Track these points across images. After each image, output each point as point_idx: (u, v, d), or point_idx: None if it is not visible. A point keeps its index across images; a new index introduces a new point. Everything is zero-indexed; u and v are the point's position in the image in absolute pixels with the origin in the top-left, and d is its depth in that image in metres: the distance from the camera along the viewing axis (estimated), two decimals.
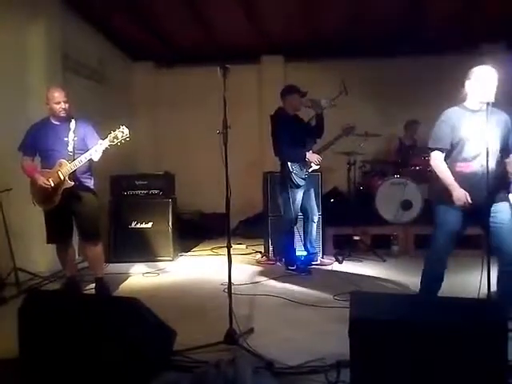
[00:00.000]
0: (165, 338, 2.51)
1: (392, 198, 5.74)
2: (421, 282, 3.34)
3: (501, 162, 3.16)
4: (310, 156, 4.83)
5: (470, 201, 3.01)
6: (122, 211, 5.45)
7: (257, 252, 5.76)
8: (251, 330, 3.07)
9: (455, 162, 3.15)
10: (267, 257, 5.42)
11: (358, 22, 6.24)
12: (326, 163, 5.43)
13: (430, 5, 5.75)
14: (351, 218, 5.61)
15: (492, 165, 2.99)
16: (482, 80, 3.07)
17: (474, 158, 3.10)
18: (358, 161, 6.17)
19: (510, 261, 3.06)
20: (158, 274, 4.87)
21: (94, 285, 4.07)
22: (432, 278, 3.29)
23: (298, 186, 4.77)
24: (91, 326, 2.36)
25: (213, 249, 5.97)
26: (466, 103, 3.20)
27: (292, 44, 7.14)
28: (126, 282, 4.60)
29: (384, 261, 5.24)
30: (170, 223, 5.41)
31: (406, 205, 5.71)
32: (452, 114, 3.19)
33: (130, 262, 5.24)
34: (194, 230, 6.90)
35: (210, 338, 2.82)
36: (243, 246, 6.12)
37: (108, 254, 5.14)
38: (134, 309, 2.42)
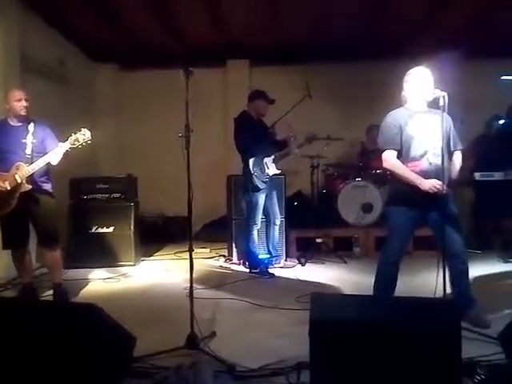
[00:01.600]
0: (124, 344, 2.47)
1: (354, 201, 5.85)
2: (374, 285, 3.38)
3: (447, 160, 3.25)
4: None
5: (440, 184, 3.06)
6: (82, 215, 5.33)
7: (220, 255, 5.75)
8: (213, 334, 3.06)
9: (405, 162, 3.22)
10: (231, 260, 5.42)
11: (321, 26, 6.33)
12: (290, 167, 5.51)
13: (391, 11, 5.92)
14: (314, 221, 5.68)
15: (439, 163, 3.08)
16: (419, 80, 3.19)
17: (422, 156, 3.18)
18: (322, 164, 6.26)
19: (458, 260, 3.17)
20: (119, 279, 4.78)
21: (52, 291, 3.96)
22: (386, 281, 3.33)
23: (259, 189, 4.80)
24: (47, 334, 2.30)
25: (176, 253, 5.91)
26: (407, 105, 3.30)
27: (257, 48, 7.18)
28: (85, 287, 4.49)
29: (345, 262, 5.33)
30: (132, 227, 5.33)
31: (367, 207, 5.84)
32: (397, 114, 3.28)
33: (90, 267, 5.11)
34: (157, 234, 6.82)
35: (171, 343, 2.79)
36: (207, 250, 6.09)
37: (67, 260, 5.01)
38: (92, 315, 2.37)
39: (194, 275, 4.44)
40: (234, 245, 5.42)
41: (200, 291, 4.07)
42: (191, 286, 2.93)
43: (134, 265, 5.31)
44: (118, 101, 7.76)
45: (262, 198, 4.86)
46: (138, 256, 5.44)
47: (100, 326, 2.34)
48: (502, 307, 3.34)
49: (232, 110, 7.30)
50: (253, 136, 4.82)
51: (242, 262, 5.27)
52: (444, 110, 3.01)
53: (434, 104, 3.19)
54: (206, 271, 5.05)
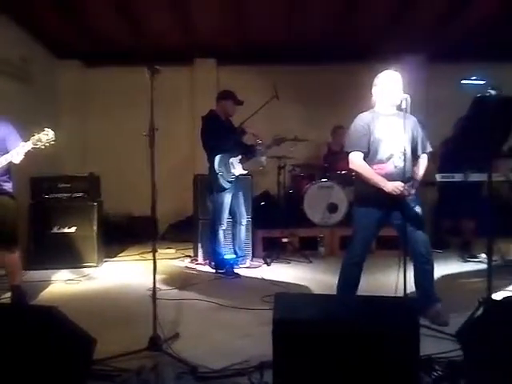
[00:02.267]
0: (83, 347, 2.41)
1: (319, 201, 5.92)
2: (338, 284, 3.43)
3: (411, 163, 3.32)
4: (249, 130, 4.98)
5: (404, 187, 3.12)
6: (44, 215, 5.18)
7: (186, 256, 5.70)
8: (176, 335, 3.03)
9: (371, 164, 3.28)
10: (196, 261, 5.39)
11: (288, 28, 6.38)
12: (257, 167, 5.48)
13: (357, 14, 6.01)
14: (280, 221, 5.71)
15: (405, 165, 3.16)
16: (387, 84, 3.25)
17: (388, 159, 3.25)
18: (288, 165, 6.30)
19: (422, 260, 3.26)
20: (81, 280, 4.67)
21: (10, 294, 3.83)
22: (349, 280, 3.39)
23: (225, 189, 4.78)
24: (3, 337, 2.23)
25: (141, 253, 5.83)
26: (376, 108, 3.36)
27: (225, 48, 7.16)
28: (46, 289, 4.37)
29: (311, 262, 5.38)
30: (95, 227, 5.21)
31: (333, 208, 5.91)
32: (365, 117, 3.33)
33: (51, 268, 4.98)
34: (122, 234, 6.70)
35: (133, 345, 2.75)
36: (173, 251, 6.04)
37: (28, 261, 4.87)
38: (50, 318, 2.30)
39: (158, 276, 4.39)
40: (199, 245, 5.39)
41: (164, 292, 4.04)
42: (154, 287, 2.89)
43: (97, 266, 5.20)
44: (82, 98, 7.59)
45: (227, 198, 4.84)
46: (101, 257, 5.33)
47: (58, 329, 2.27)
48: (461, 305, 3.41)
49: (199, 109, 7.24)
50: (219, 135, 4.80)
51: (207, 262, 5.25)
52: (406, 113, 3.07)
53: (400, 107, 3.25)
54: (171, 272, 5.00)
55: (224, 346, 2.92)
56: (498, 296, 3.37)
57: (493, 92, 2.65)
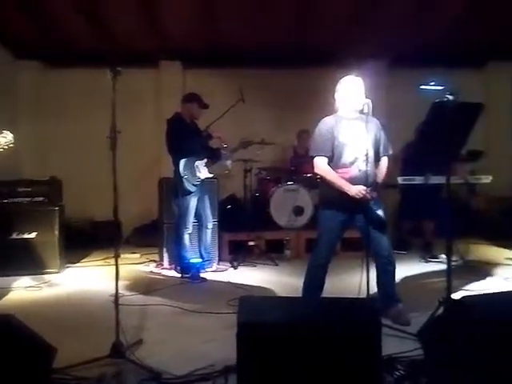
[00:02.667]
0: (43, 355, 2.34)
1: (285, 204, 5.95)
2: (303, 286, 3.46)
3: (374, 166, 3.39)
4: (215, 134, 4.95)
5: (367, 190, 3.18)
6: (2, 220, 4.98)
7: (151, 261, 5.62)
8: (140, 342, 2.98)
9: (335, 168, 3.33)
10: (162, 265, 5.32)
11: (254, 31, 6.40)
12: (223, 170, 5.47)
13: (319, 19, 6.10)
14: (247, 224, 5.71)
15: (369, 169, 3.22)
16: (349, 89, 3.31)
17: (352, 163, 3.31)
18: (255, 168, 6.31)
19: (384, 261, 3.32)
20: (42, 287, 4.53)
21: None
22: (314, 282, 3.42)
23: (190, 192, 4.75)
24: None
25: (105, 259, 5.70)
26: (339, 113, 3.41)
27: (191, 51, 7.12)
28: (6, 297, 4.22)
29: (277, 265, 5.40)
30: (57, 233, 5.06)
31: (299, 211, 5.95)
32: (329, 121, 3.37)
33: (11, 275, 4.79)
34: (86, 240, 6.55)
35: (95, 352, 2.68)
36: (137, 255, 5.94)
37: None
38: (8, 326, 2.23)
39: (122, 282, 4.32)
40: (165, 249, 5.32)
41: (128, 298, 3.97)
42: (116, 293, 2.83)
43: (59, 272, 5.05)
44: (43, 100, 7.39)
45: (193, 202, 4.81)
46: (63, 263, 5.18)
47: (15, 337, 2.20)
48: (423, 305, 3.49)
49: (165, 112, 7.16)
50: (184, 138, 4.76)
51: (173, 266, 5.18)
52: (368, 119, 3.13)
53: (362, 111, 3.31)
54: (135, 277, 4.91)
55: (188, 351, 2.89)
56: (457, 295, 3.47)
57: (451, 97, 2.73)
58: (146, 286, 4.53)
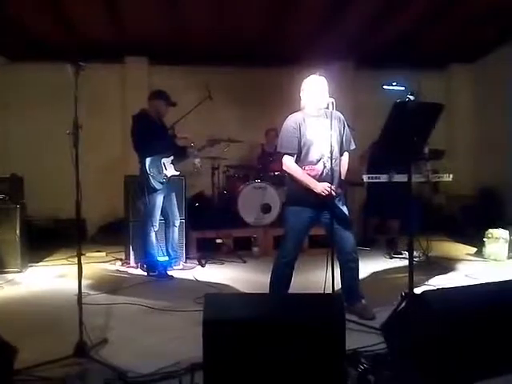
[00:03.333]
0: (3, 356, 2.28)
1: (253, 202, 5.97)
2: (270, 283, 3.49)
3: (339, 163, 3.45)
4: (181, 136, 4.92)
5: (332, 187, 3.23)
6: None
7: (117, 259, 5.53)
8: (105, 341, 2.94)
9: (302, 165, 3.37)
10: (128, 264, 5.25)
11: (221, 29, 6.38)
12: (191, 168, 5.44)
13: (288, 22, 6.14)
14: (215, 222, 5.70)
15: (334, 166, 3.28)
16: (314, 88, 3.35)
17: (318, 160, 3.36)
18: (222, 165, 6.31)
19: (348, 257, 3.38)
20: (3, 286, 4.40)
21: None
22: (281, 279, 3.46)
23: (156, 190, 4.70)
24: None
25: (69, 257, 5.58)
26: (306, 110, 3.45)
27: (157, 46, 7.03)
28: None
29: (245, 262, 5.42)
30: (18, 231, 4.91)
31: (266, 208, 5.99)
32: (296, 118, 3.40)
33: None
34: (49, 238, 6.39)
35: (59, 352, 2.63)
36: (103, 254, 5.84)
37: None
38: None
39: (87, 281, 4.26)
40: (131, 248, 5.25)
41: (93, 297, 3.92)
42: (80, 291, 2.79)
43: (21, 271, 4.91)
44: (3, 95, 7.15)
45: (159, 199, 4.76)
46: (25, 262, 5.04)
47: None
48: (387, 300, 3.55)
49: (130, 108, 7.04)
50: (150, 135, 4.70)
51: (139, 265, 5.12)
52: (332, 116, 3.18)
53: (327, 110, 3.35)
54: (100, 276, 4.84)
55: (154, 350, 2.87)
56: (419, 290, 3.57)
57: (412, 97, 2.80)
58: (111, 284, 4.46)
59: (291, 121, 3.41)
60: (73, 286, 4.09)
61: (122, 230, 5.55)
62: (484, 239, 5.54)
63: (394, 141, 2.91)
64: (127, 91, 7.33)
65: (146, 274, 4.84)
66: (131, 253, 5.24)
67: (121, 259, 5.46)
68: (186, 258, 5.38)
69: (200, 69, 7.23)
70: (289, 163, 3.38)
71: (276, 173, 6.14)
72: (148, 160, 4.69)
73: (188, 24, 6.27)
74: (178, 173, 4.92)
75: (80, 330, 2.68)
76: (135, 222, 5.18)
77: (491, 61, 7.57)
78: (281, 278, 3.46)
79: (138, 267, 5.13)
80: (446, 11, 5.95)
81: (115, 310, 3.66)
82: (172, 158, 4.88)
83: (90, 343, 2.71)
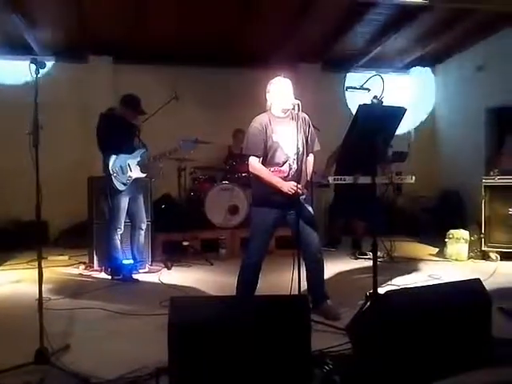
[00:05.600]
0: None
1: (220, 204, 5.96)
2: (237, 285, 3.49)
3: (305, 164, 3.48)
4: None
5: (298, 186, 3.24)
6: None
7: (80, 263, 5.40)
8: (67, 347, 2.86)
9: (268, 166, 3.38)
10: (91, 267, 5.13)
11: (186, 30, 6.34)
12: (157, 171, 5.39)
13: (253, 23, 6.16)
14: (181, 224, 5.65)
15: (300, 167, 3.30)
16: (279, 90, 3.37)
17: (284, 162, 3.38)
18: (189, 167, 6.26)
19: (313, 258, 3.41)
20: None
21: None
22: (247, 280, 3.46)
23: (119, 191, 4.61)
24: None
25: (30, 261, 5.40)
26: (271, 111, 3.46)
27: (122, 46, 6.92)
28: None
29: (212, 264, 5.39)
30: None
31: (234, 209, 5.98)
32: (263, 119, 3.41)
33: None
34: (9, 241, 6.19)
35: (19, 359, 2.54)
36: (66, 257, 5.70)
37: None
38: None
39: (49, 285, 4.14)
40: (95, 251, 5.13)
41: (55, 302, 3.81)
42: (40, 296, 2.70)
43: None
44: None
45: (124, 201, 4.67)
46: None
47: None
48: (352, 300, 3.61)
49: (94, 108, 6.90)
50: (116, 135, 4.61)
51: (103, 268, 5.02)
52: (298, 117, 3.20)
53: (292, 111, 3.37)
54: (63, 280, 4.71)
55: (119, 355, 2.81)
56: (383, 290, 3.63)
57: (375, 101, 2.85)
58: (73, 289, 4.36)
59: (257, 123, 3.41)
60: (33, 290, 3.94)
61: (85, 233, 5.42)
62: (445, 240, 5.70)
63: (359, 143, 2.95)
64: (91, 91, 7.16)
65: (110, 277, 4.74)
66: (95, 256, 5.13)
67: (84, 263, 5.33)
68: (152, 260, 5.31)
69: (167, 69, 7.18)
70: (255, 164, 3.38)
71: (243, 174, 6.14)
72: (112, 159, 4.60)
73: (153, 24, 6.21)
74: (143, 175, 4.84)
75: (41, 335, 2.59)
76: (99, 225, 5.08)
77: (452, 65, 7.82)
78: (247, 279, 3.46)
79: (102, 271, 5.02)
80: (408, 18, 6.12)
81: (78, 315, 3.57)
82: (138, 158, 4.78)
83: (51, 349, 2.63)
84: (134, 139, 4.85)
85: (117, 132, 4.63)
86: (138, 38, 6.60)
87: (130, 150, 4.74)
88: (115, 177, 4.57)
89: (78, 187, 5.74)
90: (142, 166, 4.79)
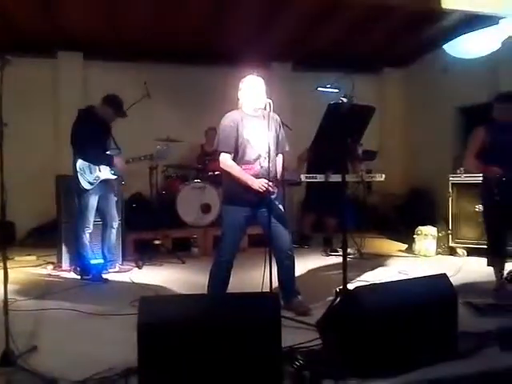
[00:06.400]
0: None
1: (192, 202, 5.93)
2: (208, 283, 3.49)
3: (275, 163, 3.49)
4: (118, 162, 4.67)
5: (269, 184, 3.26)
6: None
7: (49, 263, 5.29)
8: (34, 348, 2.80)
9: (239, 164, 3.38)
10: (60, 267, 5.03)
11: (160, 27, 6.28)
12: (128, 168, 5.33)
13: (225, 21, 6.15)
14: (153, 223, 5.59)
15: (270, 166, 3.32)
16: (251, 88, 3.39)
17: (255, 160, 3.39)
18: (161, 165, 6.20)
19: (285, 255, 3.44)
20: None
21: None
22: (219, 278, 3.46)
23: (86, 190, 4.52)
24: None
25: None
26: (243, 109, 3.47)
27: (93, 41, 6.78)
28: None
29: (184, 263, 5.36)
30: None
31: (206, 208, 5.96)
32: (234, 116, 3.41)
33: None
34: None
35: None
36: (34, 257, 5.56)
37: None
38: None
39: (16, 286, 4.05)
40: (63, 250, 5.03)
41: (21, 303, 3.71)
42: (6, 296, 2.63)
43: None
44: None
45: (93, 200, 4.58)
46: None
47: None
48: (323, 296, 3.67)
49: (64, 105, 6.83)
50: (92, 133, 4.50)
51: (72, 268, 4.92)
52: (269, 117, 3.22)
53: (264, 110, 3.39)
54: (30, 280, 4.60)
55: (87, 356, 2.76)
56: (353, 286, 3.68)
57: (345, 100, 2.89)
58: (41, 289, 4.26)
59: (229, 119, 3.41)
60: None
61: (54, 233, 5.31)
62: (414, 236, 5.82)
63: (329, 141, 2.99)
64: (60, 88, 7.03)
65: (79, 277, 4.66)
66: (64, 256, 5.03)
67: (53, 263, 5.22)
68: (123, 260, 5.23)
69: (138, 66, 7.08)
70: (226, 161, 3.38)
71: (216, 172, 6.11)
72: (81, 158, 4.51)
73: (124, 20, 6.12)
74: (114, 176, 4.75)
75: (6, 337, 2.53)
76: (68, 224, 4.98)
77: (421, 66, 7.98)
78: (219, 277, 3.46)
79: (71, 271, 4.93)
80: (379, 18, 6.22)
81: (45, 316, 3.49)
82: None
83: (17, 351, 2.57)
84: (108, 140, 4.77)
85: (93, 130, 4.52)
86: (108, 34, 6.50)
87: (102, 150, 4.65)
88: (81, 174, 4.48)
89: (47, 186, 5.62)
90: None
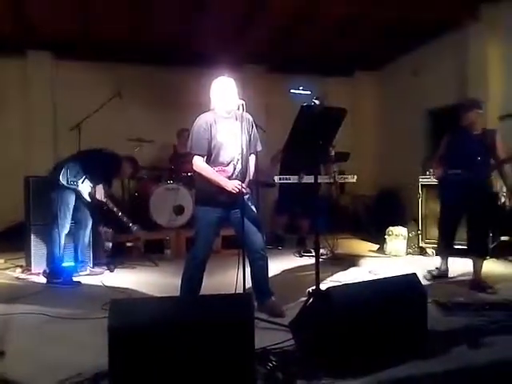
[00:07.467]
0: None
1: (165, 204, 5.87)
2: (181, 285, 3.46)
3: (248, 164, 3.51)
4: (98, 190, 4.76)
5: (242, 185, 3.26)
6: None
7: (17, 266, 5.16)
8: (2, 354, 2.73)
9: (213, 166, 3.37)
10: (29, 270, 4.91)
11: (133, 27, 6.22)
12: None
13: (199, 24, 6.13)
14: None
15: (244, 167, 3.33)
16: (222, 89, 3.39)
17: (229, 162, 3.39)
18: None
19: (257, 255, 3.44)
20: None
21: None
22: (192, 280, 3.44)
23: (59, 186, 4.45)
24: None
25: None
26: (216, 111, 3.46)
27: (63, 41, 6.67)
28: None
29: (157, 265, 5.31)
30: None
31: (179, 209, 5.92)
32: (207, 118, 3.40)
33: None
34: None
35: None
36: (1, 261, 5.42)
37: None
38: None
39: None
40: (32, 253, 4.91)
41: None
42: None
43: None
44: None
45: (71, 197, 4.52)
46: None
47: None
48: (296, 297, 3.69)
49: (33, 105, 6.70)
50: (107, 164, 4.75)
51: (42, 271, 4.81)
52: (242, 118, 3.22)
53: (237, 111, 3.39)
54: None
55: (56, 361, 2.70)
56: (325, 286, 3.72)
57: (317, 102, 2.92)
58: (9, 293, 4.14)
59: (202, 121, 3.39)
60: None
61: (22, 235, 5.18)
62: (385, 236, 5.92)
63: (301, 143, 3.01)
64: (30, 87, 6.87)
65: (47, 281, 4.55)
66: (32, 259, 4.91)
67: (21, 266, 5.09)
68: (94, 263, 5.14)
69: (110, 65, 7.00)
70: (199, 163, 3.37)
71: (189, 174, 6.08)
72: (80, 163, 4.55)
73: (97, 20, 6.04)
74: (87, 197, 4.70)
75: None
76: (37, 226, 4.87)
77: (394, 69, 8.13)
78: (192, 279, 3.44)
79: (40, 274, 4.82)
80: (353, 24, 6.32)
81: (13, 321, 3.40)
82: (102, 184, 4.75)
83: None
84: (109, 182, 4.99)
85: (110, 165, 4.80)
86: (80, 33, 6.40)
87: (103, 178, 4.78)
88: (64, 173, 4.42)
89: (15, 188, 5.48)
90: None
